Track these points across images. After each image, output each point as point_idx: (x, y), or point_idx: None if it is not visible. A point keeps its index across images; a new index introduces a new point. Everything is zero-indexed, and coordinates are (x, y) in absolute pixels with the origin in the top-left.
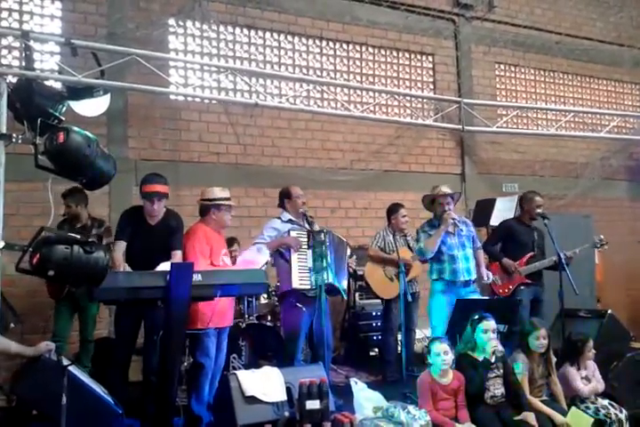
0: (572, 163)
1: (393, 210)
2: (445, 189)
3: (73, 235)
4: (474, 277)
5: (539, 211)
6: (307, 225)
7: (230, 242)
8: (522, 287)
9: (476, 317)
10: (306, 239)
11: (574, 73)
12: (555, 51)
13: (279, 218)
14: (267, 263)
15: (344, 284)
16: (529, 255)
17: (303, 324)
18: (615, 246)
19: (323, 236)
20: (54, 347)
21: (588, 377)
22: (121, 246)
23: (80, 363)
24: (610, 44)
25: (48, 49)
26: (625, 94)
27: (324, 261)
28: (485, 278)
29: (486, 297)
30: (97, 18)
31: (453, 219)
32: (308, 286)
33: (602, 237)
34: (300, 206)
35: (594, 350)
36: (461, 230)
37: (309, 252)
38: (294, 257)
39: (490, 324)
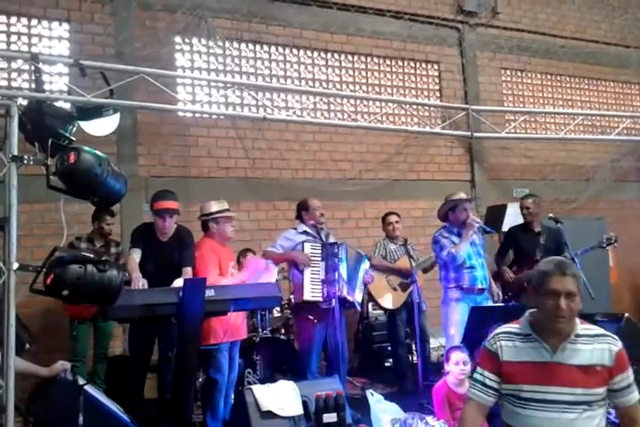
0: (582, 166)
1: (382, 219)
2: (463, 195)
3: (86, 254)
4: (487, 285)
5: (524, 212)
6: (322, 237)
7: (244, 252)
8: (522, 293)
9: None
10: (320, 251)
11: (581, 76)
12: (560, 54)
13: (294, 229)
14: (278, 277)
15: (358, 297)
16: (531, 261)
17: (317, 336)
18: (629, 248)
19: (336, 248)
20: (70, 366)
21: None
22: (136, 254)
23: (98, 378)
24: (616, 45)
25: (57, 70)
26: (633, 95)
27: (337, 273)
28: (496, 298)
29: (501, 304)
30: (104, 38)
31: (478, 222)
32: (320, 298)
33: (611, 234)
34: (319, 218)
35: None
36: (475, 239)
37: (322, 264)
38: (307, 269)
39: None
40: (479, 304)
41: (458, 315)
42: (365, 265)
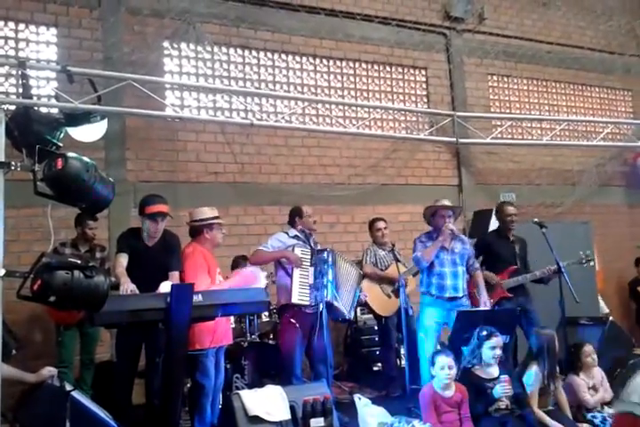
0: (567, 170)
1: (369, 225)
2: (447, 203)
3: (73, 260)
4: (462, 294)
5: (510, 221)
6: (311, 243)
7: (242, 260)
8: (503, 301)
9: (485, 333)
10: (309, 257)
11: (566, 81)
12: (546, 60)
13: (286, 232)
14: (267, 284)
15: (351, 313)
16: (512, 269)
17: (298, 340)
18: (615, 252)
19: (326, 255)
20: (56, 372)
21: (595, 386)
22: (124, 258)
23: (85, 384)
24: (600, 51)
25: (44, 75)
26: (617, 101)
27: (326, 278)
28: (483, 305)
29: (487, 308)
30: (92, 43)
31: (452, 230)
32: (307, 302)
33: (588, 252)
34: (312, 225)
35: (594, 356)
36: (455, 247)
37: (311, 269)
38: (296, 272)
39: (499, 340)
40: (449, 311)
41: (426, 319)
42: (360, 280)
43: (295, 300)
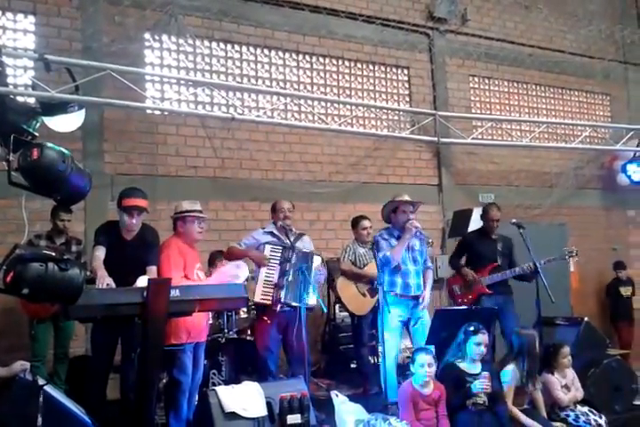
0: (546, 173)
1: (354, 223)
2: (407, 197)
3: (48, 252)
4: (422, 292)
5: (493, 224)
6: (287, 240)
7: (218, 255)
8: (483, 298)
9: (472, 328)
10: (279, 255)
11: (547, 84)
12: (527, 63)
13: (262, 228)
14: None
15: (313, 300)
16: (492, 266)
17: (271, 337)
18: (590, 254)
19: (290, 254)
20: (29, 366)
21: (567, 385)
22: (101, 252)
23: (58, 379)
24: (580, 55)
25: (21, 64)
26: (596, 105)
27: (285, 279)
28: (421, 301)
29: (465, 307)
30: (71, 32)
31: (416, 227)
32: (268, 302)
33: (573, 248)
34: (280, 220)
35: (570, 357)
36: (415, 245)
37: (278, 267)
38: (262, 271)
39: (484, 338)
40: (413, 309)
41: (391, 319)
42: (316, 264)
43: (257, 299)
